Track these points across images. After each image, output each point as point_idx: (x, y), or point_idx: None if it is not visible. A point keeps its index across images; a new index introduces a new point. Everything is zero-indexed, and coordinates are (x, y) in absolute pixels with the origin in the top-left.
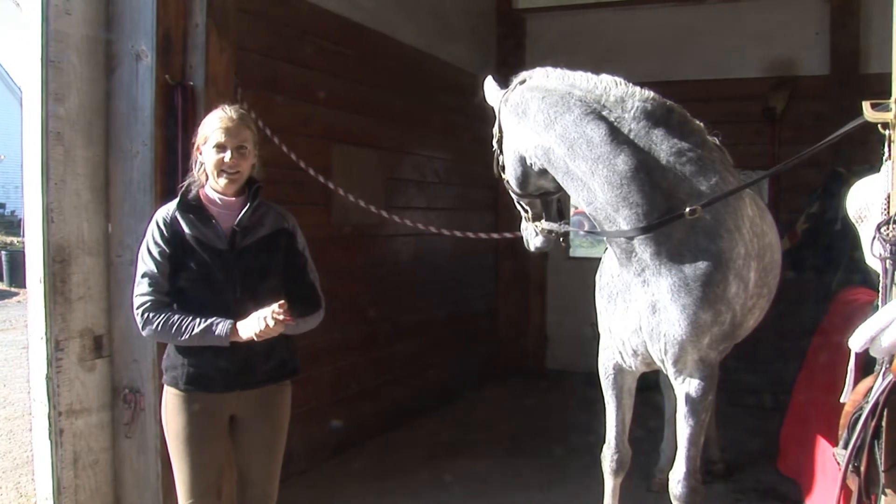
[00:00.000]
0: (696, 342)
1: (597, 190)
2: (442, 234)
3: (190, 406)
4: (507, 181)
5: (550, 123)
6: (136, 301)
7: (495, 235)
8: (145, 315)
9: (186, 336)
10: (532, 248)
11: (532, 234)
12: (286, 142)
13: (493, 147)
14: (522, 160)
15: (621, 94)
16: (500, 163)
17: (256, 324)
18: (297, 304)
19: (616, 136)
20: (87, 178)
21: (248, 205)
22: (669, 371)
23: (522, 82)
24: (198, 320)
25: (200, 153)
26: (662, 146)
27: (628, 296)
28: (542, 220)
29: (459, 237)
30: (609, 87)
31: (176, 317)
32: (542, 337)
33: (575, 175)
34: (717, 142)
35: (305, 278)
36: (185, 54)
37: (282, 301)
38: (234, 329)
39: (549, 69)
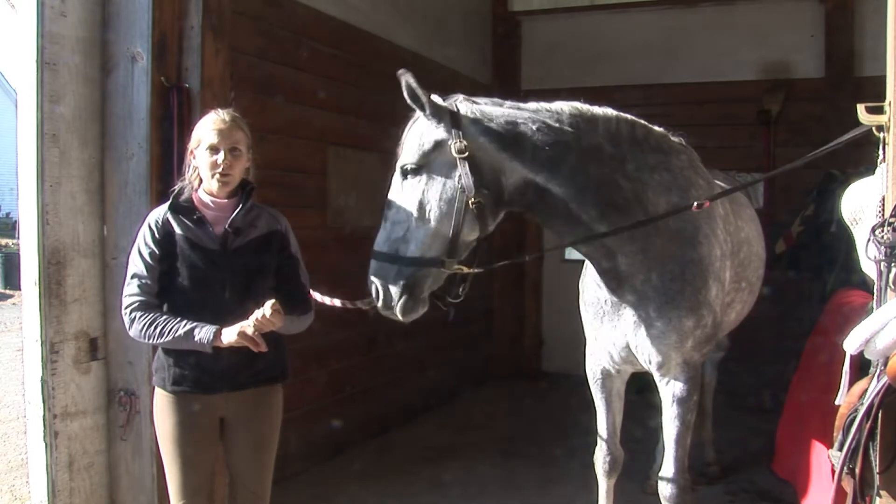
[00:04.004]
0: (679, 347)
1: (594, 224)
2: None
3: (178, 407)
4: (479, 202)
5: (554, 164)
6: (125, 301)
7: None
8: (132, 315)
9: (169, 338)
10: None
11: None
12: (282, 144)
13: (438, 153)
14: (499, 187)
15: (589, 117)
16: (470, 180)
17: (245, 327)
18: (290, 305)
19: (609, 168)
20: (83, 180)
21: (241, 206)
22: (654, 374)
23: (487, 104)
24: (182, 323)
25: (194, 157)
26: (638, 162)
27: (615, 316)
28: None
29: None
30: (580, 111)
31: (161, 318)
32: (538, 339)
33: (572, 216)
34: (683, 142)
35: (297, 279)
36: (180, 56)
37: (273, 300)
38: (217, 334)
39: (495, 100)
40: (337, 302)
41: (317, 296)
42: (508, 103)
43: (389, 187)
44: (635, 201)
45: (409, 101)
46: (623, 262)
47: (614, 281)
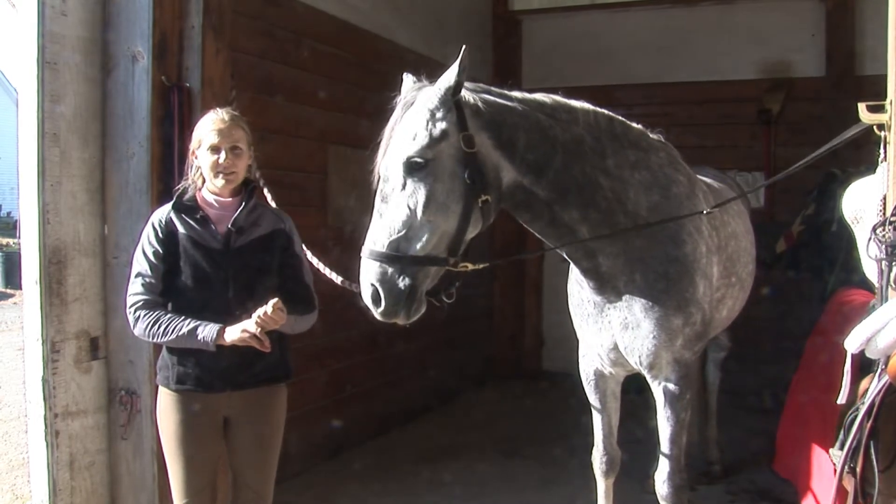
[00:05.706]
0: (669, 346)
1: (583, 232)
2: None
3: (182, 406)
4: (487, 199)
5: (540, 168)
6: (129, 300)
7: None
8: (136, 314)
9: (172, 336)
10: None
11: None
12: (282, 144)
13: (445, 146)
14: (499, 185)
15: (568, 108)
16: (480, 178)
17: (248, 325)
18: (293, 304)
19: (591, 164)
20: (84, 179)
21: (244, 205)
22: (646, 375)
23: (479, 92)
24: (185, 322)
25: (196, 157)
26: (618, 159)
27: (599, 318)
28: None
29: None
30: (559, 103)
31: (165, 317)
32: (538, 339)
33: (555, 218)
34: (662, 139)
35: (301, 279)
36: (181, 56)
37: (276, 298)
38: (221, 333)
39: (485, 87)
40: (334, 276)
41: (314, 261)
42: (495, 90)
43: (380, 177)
44: (615, 201)
45: (420, 81)
46: (604, 262)
47: (596, 281)
